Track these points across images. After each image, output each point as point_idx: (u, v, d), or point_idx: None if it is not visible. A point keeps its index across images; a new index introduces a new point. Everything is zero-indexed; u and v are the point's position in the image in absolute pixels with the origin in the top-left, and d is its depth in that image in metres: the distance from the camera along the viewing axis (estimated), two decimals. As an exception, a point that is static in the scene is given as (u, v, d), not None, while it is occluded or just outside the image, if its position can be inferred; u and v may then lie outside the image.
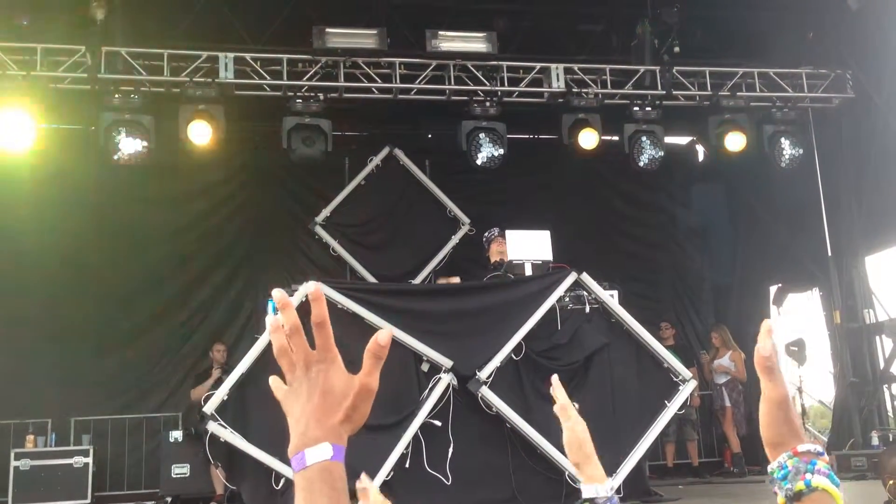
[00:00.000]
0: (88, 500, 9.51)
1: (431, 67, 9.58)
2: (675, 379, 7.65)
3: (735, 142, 9.85)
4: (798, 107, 10.37)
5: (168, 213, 10.96)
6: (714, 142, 10.08)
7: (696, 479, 10.36)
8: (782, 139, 10.03)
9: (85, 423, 10.10)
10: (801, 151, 10.10)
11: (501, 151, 9.51)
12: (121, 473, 10.21)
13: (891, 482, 5.45)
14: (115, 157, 8.78)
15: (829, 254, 10.96)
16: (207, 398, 6.64)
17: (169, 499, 9.51)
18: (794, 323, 11.97)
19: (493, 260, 8.13)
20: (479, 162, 9.52)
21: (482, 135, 9.48)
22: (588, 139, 9.55)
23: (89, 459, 9.61)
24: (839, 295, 10.78)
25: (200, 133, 8.89)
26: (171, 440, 9.83)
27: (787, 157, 10.05)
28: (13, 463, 9.32)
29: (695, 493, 8.14)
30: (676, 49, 9.77)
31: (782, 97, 10.30)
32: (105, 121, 8.74)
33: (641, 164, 9.82)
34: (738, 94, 10.13)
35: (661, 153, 9.86)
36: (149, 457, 10.28)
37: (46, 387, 8.90)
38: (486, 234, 8.49)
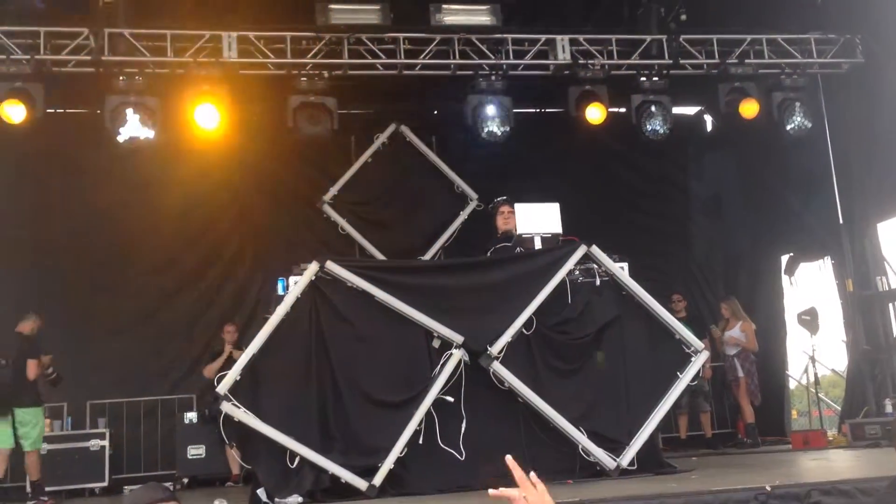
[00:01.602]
0: (106, 483, 9.61)
1: (436, 42, 9.51)
2: (687, 350, 7.61)
3: (748, 109, 9.74)
4: (807, 73, 10.26)
5: (175, 194, 10.92)
6: (724, 110, 9.97)
7: (710, 450, 10.37)
8: (793, 105, 9.92)
9: (100, 406, 10.17)
10: (809, 121, 9.99)
11: (507, 126, 9.44)
12: (137, 456, 10.30)
13: (906, 449, 5.43)
14: (121, 140, 8.76)
15: (841, 221, 10.88)
16: (220, 378, 6.65)
17: (186, 480, 9.59)
18: (807, 292, 11.94)
19: (500, 230, 8.09)
20: (484, 136, 9.46)
21: (488, 108, 9.41)
22: (595, 111, 9.47)
23: (106, 442, 9.72)
24: (851, 263, 10.72)
25: (206, 114, 8.86)
26: (187, 422, 9.93)
27: (795, 123, 9.95)
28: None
29: (709, 465, 8.13)
30: (683, 17, 9.66)
31: (791, 63, 10.19)
32: (110, 103, 8.70)
33: (649, 134, 9.75)
34: (747, 61, 10.01)
35: (669, 123, 9.77)
36: (165, 439, 10.37)
37: (60, 371, 8.94)
38: (490, 205, 8.47)
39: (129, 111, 8.60)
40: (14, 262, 10.36)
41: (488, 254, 7.96)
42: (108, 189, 10.49)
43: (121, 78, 8.73)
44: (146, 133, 8.71)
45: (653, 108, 9.69)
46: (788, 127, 9.94)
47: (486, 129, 9.44)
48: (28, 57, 8.53)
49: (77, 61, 8.79)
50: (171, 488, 4.58)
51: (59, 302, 9.88)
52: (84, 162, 10.45)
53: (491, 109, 9.42)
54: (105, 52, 8.73)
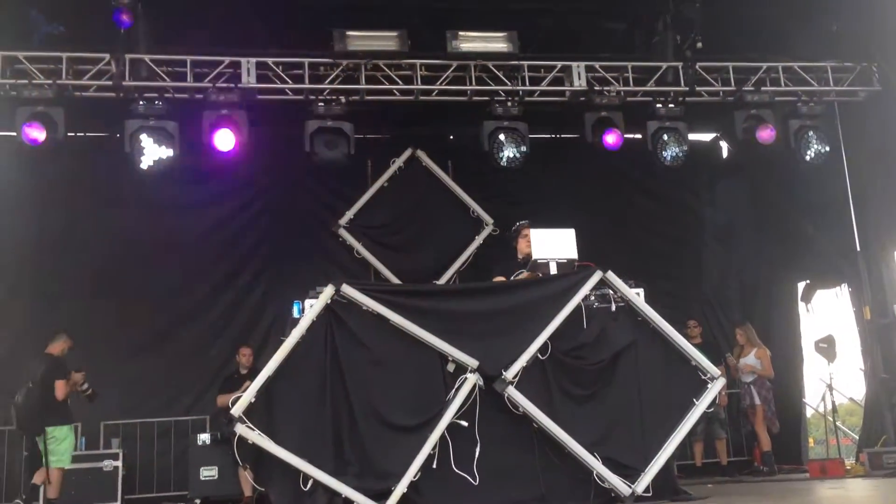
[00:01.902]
0: (118, 503, 9.60)
1: (452, 68, 9.59)
2: (703, 377, 7.56)
3: (766, 136, 9.75)
4: (824, 101, 10.27)
5: (192, 218, 11.04)
6: (740, 137, 9.98)
7: (726, 478, 10.28)
8: (808, 133, 9.93)
9: (114, 427, 10.19)
10: (827, 146, 9.99)
11: (524, 151, 9.49)
12: (150, 476, 10.31)
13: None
14: (141, 164, 8.86)
15: (858, 249, 10.83)
16: (235, 400, 6.66)
17: (198, 501, 9.58)
18: (824, 319, 11.87)
19: (521, 253, 8.10)
20: (501, 162, 9.50)
21: (504, 135, 9.45)
22: (612, 138, 9.51)
23: (119, 463, 9.73)
24: (869, 290, 10.66)
25: (224, 138, 8.95)
26: (200, 443, 9.92)
27: (813, 151, 9.95)
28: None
29: (724, 493, 8.05)
30: (699, 44, 9.69)
31: (807, 91, 10.21)
32: (130, 127, 8.82)
33: (665, 161, 9.77)
34: (763, 88, 10.03)
35: (685, 150, 9.79)
36: (178, 460, 10.37)
37: (75, 391, 9.00)
38: (513, 227, 8.48)
39: (145, 136, 8.70)
40: (31, 285, 10.47)
41: (511, 277, 7.94)
42: (125, 212, 10.59)
43: (140, 103, 8.86)
44: (165, 157, 8.82)
45: (668, 135, 9.72)
46: (805, 154, 9.94)
47: (501, 155, 9.48)
48: (50, 82, 8.67)
49: (98, 86, 8.92)
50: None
51: (76, 323, 9.90)
52: (103, 185, 10.56)
53: (506, 135, 9.45)
54: (126, 77, 8.86)
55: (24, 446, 9.26)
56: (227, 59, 9.18)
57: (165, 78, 9.05)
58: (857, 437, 11.24)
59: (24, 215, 10.57)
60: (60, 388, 8.54)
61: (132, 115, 8.84)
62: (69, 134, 8.98)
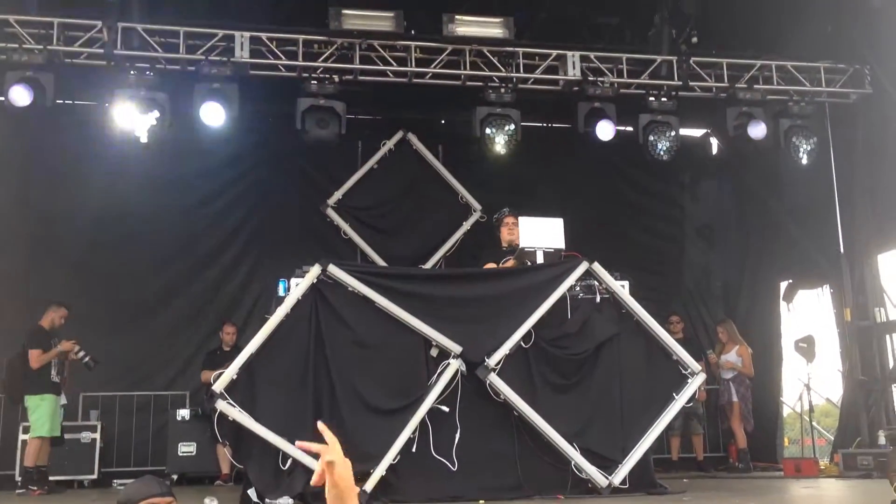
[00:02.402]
0: (95, 476, 9.58)
1: (447, 52, 9.53)
2: (684, 371, 7.62)
3: (757, 131, 9.76)
4: (815, 101, 10.29)
5: (178, 192, 10.93)
6: (731, 133, 10.00)
7: (701, 473, 10.35)
8: (798, 133, 9.96)
9: (93, 399, 10.14)
10: (816, 147, 10.03)
11: (515, 138, 9.46)
12: (128, 450, 10.26)
13: (899, 480, 5.42)
14: (128, 135, 8.78)
15: (842, 251, 10.89)
16: (218, 377, 6.64)
17: (175, 476, 9.56)
18: (804, 319, 11.94)
19: (504, 241, 8.10)
20: (492, 149, 9.47)
21: (496, 121, 9.42)
22: (603, 129, 9.49)
23: (97, 435, 9.70)
24: (850, 292, 10.72)
25: (214, 112, 8.87)
26: (179, 419, 9.91)
27: (802, 151, 9.98)
28: (21, 437, 9.37)
29: (700, 487, 8.12)
30: (694, 39, 9.69)
31: (799, 91, 10.23)
32: (119, 97, 8.72)
33: (656, 154, 9.77)
34: (756, 86, 10.04)
35: (676, 144, 9.80)
36: (156, 434, 10.34)
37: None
38: (495, 215, 8.47)
39: (140, 106, 8.61)
40: (13, 255, 10.37)
41: (498, 265, 7.93)
42: (108, 184, 10.44)
43: (132, 73, 8.76)
44: (153, 128, 8.73)
45: (660, 129, 9.72)
46: (794, 154, 9.97)
47: (492, 141, 9.45)
48: (40, 47, 8.55)
49: (89, 53, 8.81)
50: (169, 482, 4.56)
51: (58, 294, 9.81)
52: (84, 155, 10.44)
53: (499, 122, 9.42)
54: (118, 45, 8.75)
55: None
56: (220, 33, 9.08)
57: (158, 48, 8.94)
58: (832, 438, 11.34)
59: (11, 182, 10.44)
60: (34, 358, 8.66)
61: (122, 85, 8.73)
62: (58, 101, 8.89)
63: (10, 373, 8.81)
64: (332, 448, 1.94)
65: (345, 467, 1.93)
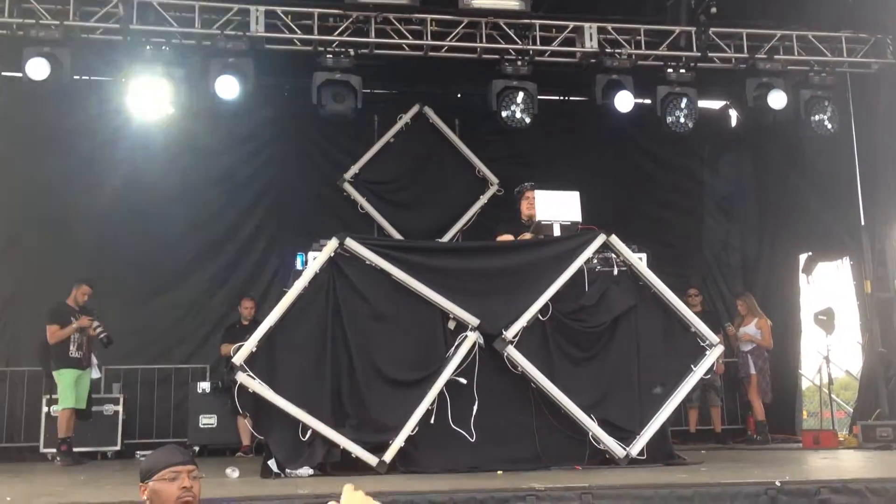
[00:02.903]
0: (118, 447, 9.73)
1: (463, 25, 9.47)
2: (702, 343, 7.61)
3: (777, 100, 9.65)
4: (836, 71, 10.16)
5: (195, 167, 10.99)
6: (751, 104, 9.89)
7: (719, 444, 10.37)
8: (819, 104, 9.84)
9: (115, 372, 10.27)
10: (837, 117, 9.91)
11: (532, 111, 9.41)
12: (150, 422, 10.41)
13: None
14: (145, 110, 8.82)
15: (863, 223, 10.79)
16: (237, 350, 6.71)
17: (196, 448, 9.69)
18: (824, 291, 11.88)
19: (523, 215, 8.09)
20: (509, 122, 9.43)
21: (513, 94, 9.37)
22: (622, 100, 9.42)
23: (119, 408, 9.87)
24: (871, 264, 10.63)
25: (229, 87, 8.87)
26: (199, 391, 10.03)
27: (822, 122, 9.87)
28: (44, 409, 9.54)
29: (718, 459, 8.12)
30: (713, 10, 9.57)
31: (820, 61, 10.09)
32: (136, 72, 8.74)
33: (674, 127, 9.68)
34: (776, 56, 9.92)
35: (694, 116, 9.71)
36: (177, 407, 10.50)
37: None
38: (517, 189, 8.45)
39: (156, 81, 8.64)
40: (35, 230, 10.48)
41: (516, 238, 7.93)
42: (125, 160, 10.52)
43: (147, 47, 8.77)
44: (169, 103, 8.77)
45: (678, 101, 9.63)
46: (814, 125, 9.86)
47: (509, 114, 9.41)
48: (57, 23, 8.57)
49: (105, 29, 8.82)
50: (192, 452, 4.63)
51: (78, 271, 9.92)
52: (101, 131, 10.50)
53: (516, 95, 9.37)
54: (133, 20, 8.76)
55: None
56: (235, 7, 9.05)
57: (173, 23, 8.94)
58: (851, 411, 11.31)
59: (29, 158, 10.52)
60: (50, 333, 8.94)
61: (139, 61, 8.75)
62: (75, 77, 8.92)
63: (40, 349, 9.14)
64: None
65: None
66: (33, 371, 9.81)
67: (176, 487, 2.82)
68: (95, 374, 9.37)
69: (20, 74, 8.48)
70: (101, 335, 9.05)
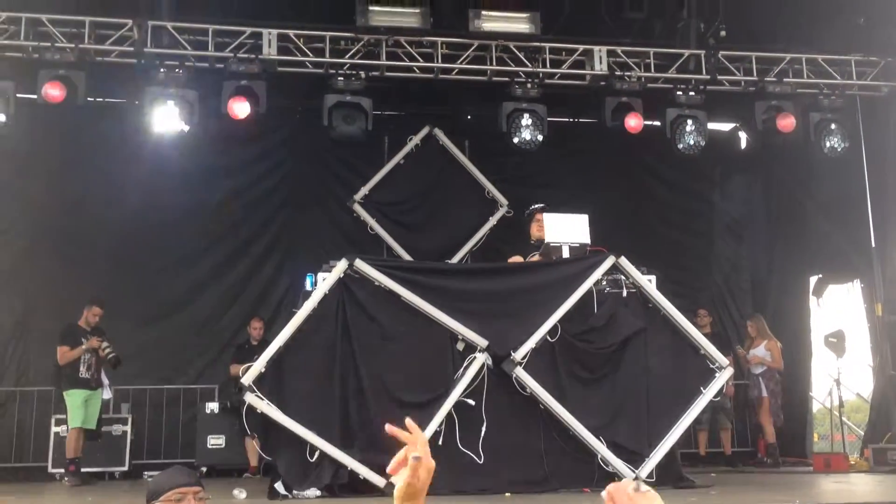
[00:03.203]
0: (126, 467, 9.73)
1: (473, 48, 9.53)
2: (711, 366, 7.59)
3: (786, 124, 9.67)
4: (846, 94, 10.17)
5: (209, 188, 11.07)
6: (760, 127, 9.90)
7: (729, 467, 10.30)
8: (829, 127, 9.85)
9: (124, 392, 10.28)
10: (847, 140, 9.91)
11: (541, 133, 9.45)
12: (158, 442, 10.41)
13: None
14: (158, 131, 8.90)
15: (873, 245, 10.75)
16: (246, 370, 6.72)
17: (204, 468, 9.67)
18: (834, 314, 11.82)
19: (534, 237, 8.11)
20: (518, 144, 9.47)
21: (522, 116, 9.42)
22: (632, 121, 9.45)
23: (128, 428, 9.86)
24: (882, 287, 10.58)
25: (242, 109, 8.95)
26: (208, 412, 10.02)
27: (832, 144, 9.87)
28: (53, 429, 9.58)
29: (728, 482, 8.07)
30: (723, 33, 9.62)
31: (830, 84, 10.11)
32: (150, 95, 8.84)
33: (683, 149, 9.70)
34: (785, 79, 9.94)
35: (704, 139, 9.72)
36: (185, 427, 10.48)
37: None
38: (527, 210, 8.47)
39: (170, 103, 8.72)
40: (47, 251, 10.55)
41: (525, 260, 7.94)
42: (138, 179, 10.59)
43: (161, 70, 8.87)
44: (182, 125, 8.85)
45: (688, 123, 9.65)
46: (825, 148, 9.86)
47: (519, 137, 9.45)
48: (72, 45, 8.68)
49: (119, 52, 8.93)
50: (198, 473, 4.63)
51: (87, 290, 9.98)
52: (120, 152, 10.59)
53: (525, 117, 9.42)
54: (148, 44, 8.86)
55: None
56: (248, 30, 9.16)
57: (187, 46, 9.04)
58: (862, 434, 11.22)
59: (43, 179, 10.63)
60: (60, 354, 8.99)
61: (153, 83, 8.85)
62: (89, 99, 9.02)
63: (53, 369, 9.19)
64: (421, 444, 1.82)
65: (427, 469, 1.81)
66: (42, 391, 9.86)
67: (182, 509, 2.82)
68: (107, 394, 9.41)
69: (35, 96, 8.58)
70: (110, 356, 9.09)
